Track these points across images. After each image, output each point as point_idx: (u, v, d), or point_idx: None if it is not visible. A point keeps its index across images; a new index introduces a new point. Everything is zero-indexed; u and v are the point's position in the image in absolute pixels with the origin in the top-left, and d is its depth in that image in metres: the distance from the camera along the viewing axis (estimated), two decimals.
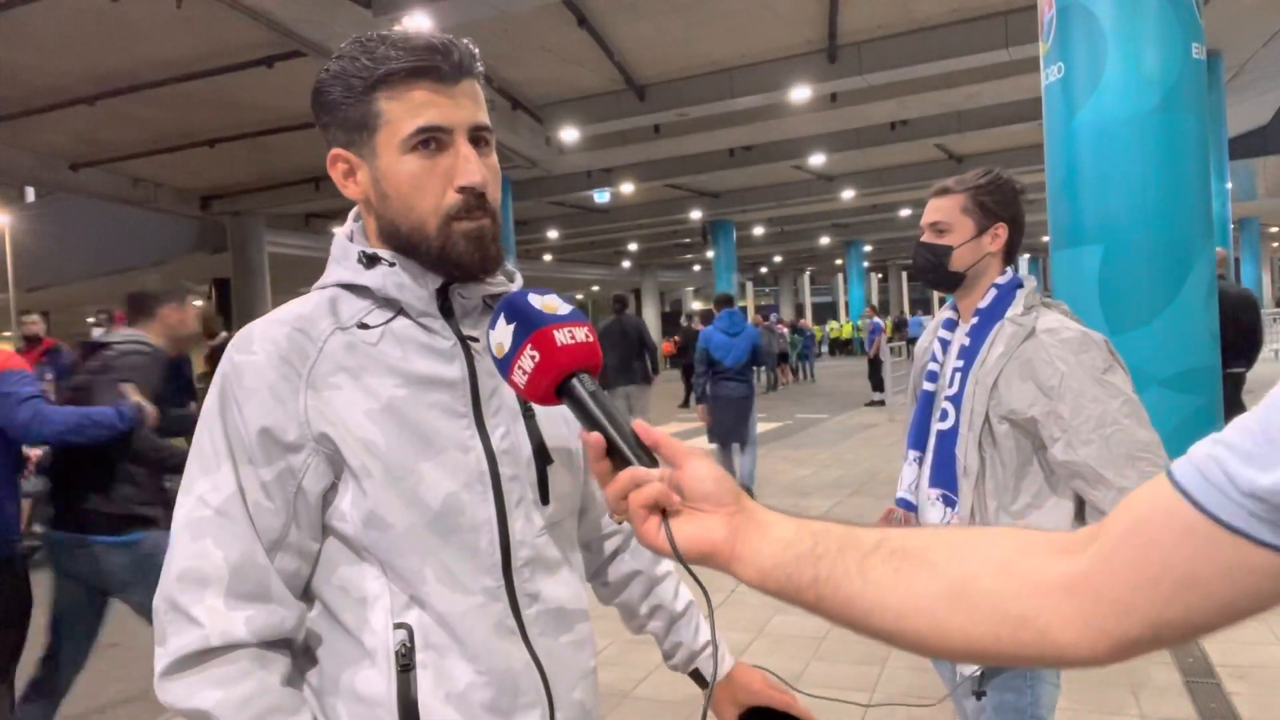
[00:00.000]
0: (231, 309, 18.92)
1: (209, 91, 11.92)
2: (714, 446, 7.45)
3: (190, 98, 12.15)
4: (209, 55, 10.78)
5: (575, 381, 0.85)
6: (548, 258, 33.18)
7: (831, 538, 0.70)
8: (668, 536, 0.74)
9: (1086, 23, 4.75)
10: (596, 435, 0.80)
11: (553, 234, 27.01)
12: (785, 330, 21.65)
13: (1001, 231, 1.91)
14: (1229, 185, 14.74)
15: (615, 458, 0.80)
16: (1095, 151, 4.81)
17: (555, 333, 0.85)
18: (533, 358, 0.85)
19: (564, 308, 0.90)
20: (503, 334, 0.87)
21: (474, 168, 1.01)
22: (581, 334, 0.87)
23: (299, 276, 26.14)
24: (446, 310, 1.07)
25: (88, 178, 15.82)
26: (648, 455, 0.79)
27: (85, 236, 21.09)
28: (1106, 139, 4.76)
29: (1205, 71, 4.96)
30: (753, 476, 7.47)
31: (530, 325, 0.86)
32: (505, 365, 0.87)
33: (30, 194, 24.34)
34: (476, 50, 1.05)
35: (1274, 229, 34.72)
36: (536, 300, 0.89)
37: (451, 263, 1.02)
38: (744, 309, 13.58)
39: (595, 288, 42.23)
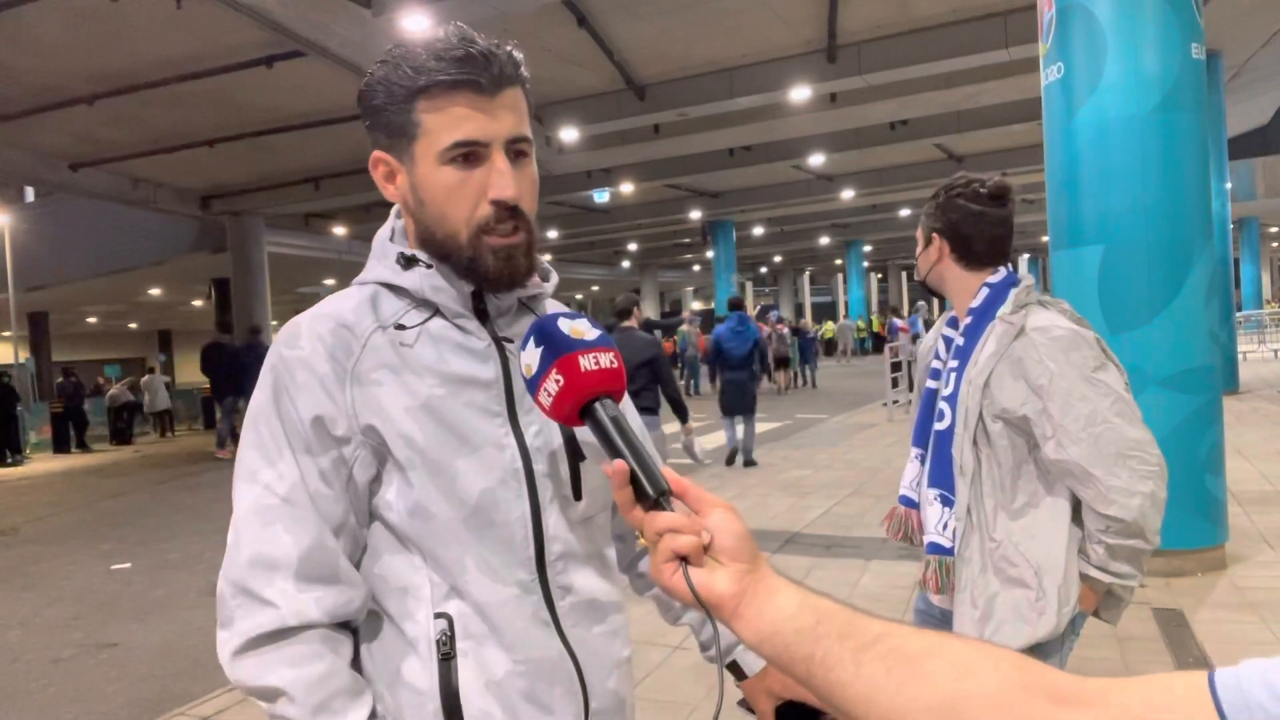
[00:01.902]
0: (231, 309, 18.93)
1: (209, 91, 11.91)
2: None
3: (190, 98, 12.14)
4: (209, 55, 10.77)
5: (598, 405, 0.88)
6: (548, 258, 32.52)
7: (835, 621, 0.72)
8: (688, 582, 0.76)
9: (1086, 23, 4.75)
10: (620, 464, 0.82)
11: (553, 234, 27.01)
12: (786, 330, 20.97)
13: (937, 241, 1.95)
14: (1229, 185, 14.73)
15: (632, 482, 0.82)
16: (1095, 151, 4.81)
17: (581, 358, 0.88)
18: (557, 381, 0.88)
19: (592, 333, 0.92)
20: (531, 356, 0.91)
21: (507, 182, 1.03)
22: (606, 360, 0.90)
23: (299, 276, 26.19)
24: (482, 313, 1.09)
25: (88, 178, 15.80)
26: (662, 483, 0.81)
27: (85, 236, 21.04)
28: (1106, 139, 4.76)
29: (1205, 71, 4.97)
30: (752, 441, 9.53)
31: (556, 350, 0.89)
32: (533, 386, 0.91)
33: (30, 194, 24.31)
34: (520, 55, 1.05)
35: (1274, 229, 34.74)
36: (565, 325, 0.92)
37: (480, 275, 1.06)
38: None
39: (595, 288, 42.23)
